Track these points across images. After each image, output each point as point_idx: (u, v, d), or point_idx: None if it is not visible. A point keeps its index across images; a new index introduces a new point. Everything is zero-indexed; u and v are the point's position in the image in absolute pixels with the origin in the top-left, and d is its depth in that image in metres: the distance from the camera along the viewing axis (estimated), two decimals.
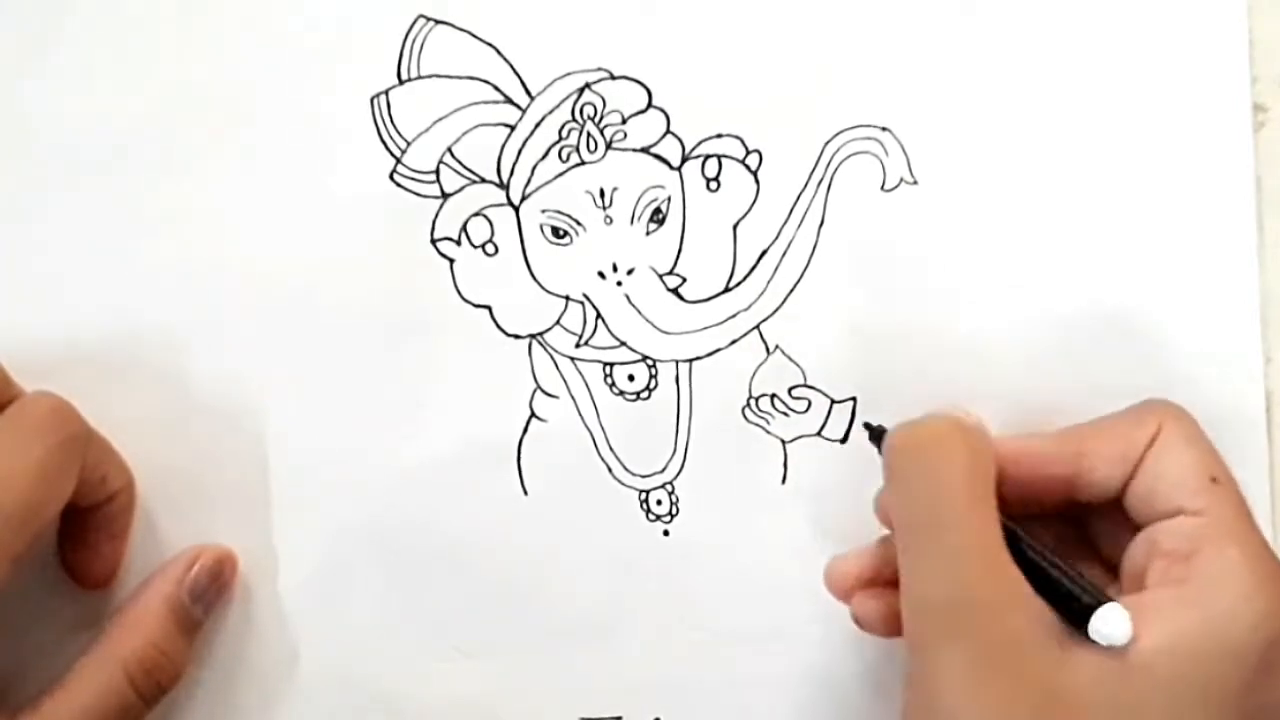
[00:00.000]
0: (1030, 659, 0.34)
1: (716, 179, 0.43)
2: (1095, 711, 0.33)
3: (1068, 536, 0.40)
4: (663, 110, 0.43)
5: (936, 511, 0.35)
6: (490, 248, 0.43)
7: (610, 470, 0.43)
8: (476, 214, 0.43)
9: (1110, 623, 0.34)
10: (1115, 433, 0.38)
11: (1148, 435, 0.37)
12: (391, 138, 0.43)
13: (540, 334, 0.43)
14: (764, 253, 0.43)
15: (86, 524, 0.41)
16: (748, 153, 0.43)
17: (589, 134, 0.43)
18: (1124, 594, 0.36)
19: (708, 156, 0.43)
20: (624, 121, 0.43)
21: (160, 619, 0.41)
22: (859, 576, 0.39)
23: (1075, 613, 0.34)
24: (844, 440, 0.43)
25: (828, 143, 0.43)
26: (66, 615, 0.43)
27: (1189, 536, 0.35)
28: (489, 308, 0.43)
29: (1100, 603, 0.34)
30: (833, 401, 0.43)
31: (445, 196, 0.43)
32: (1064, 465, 0.38)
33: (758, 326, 0.43)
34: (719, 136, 0.43)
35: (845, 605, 0.40)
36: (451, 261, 0.43)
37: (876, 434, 0.40)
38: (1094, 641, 0.34)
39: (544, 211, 0.43)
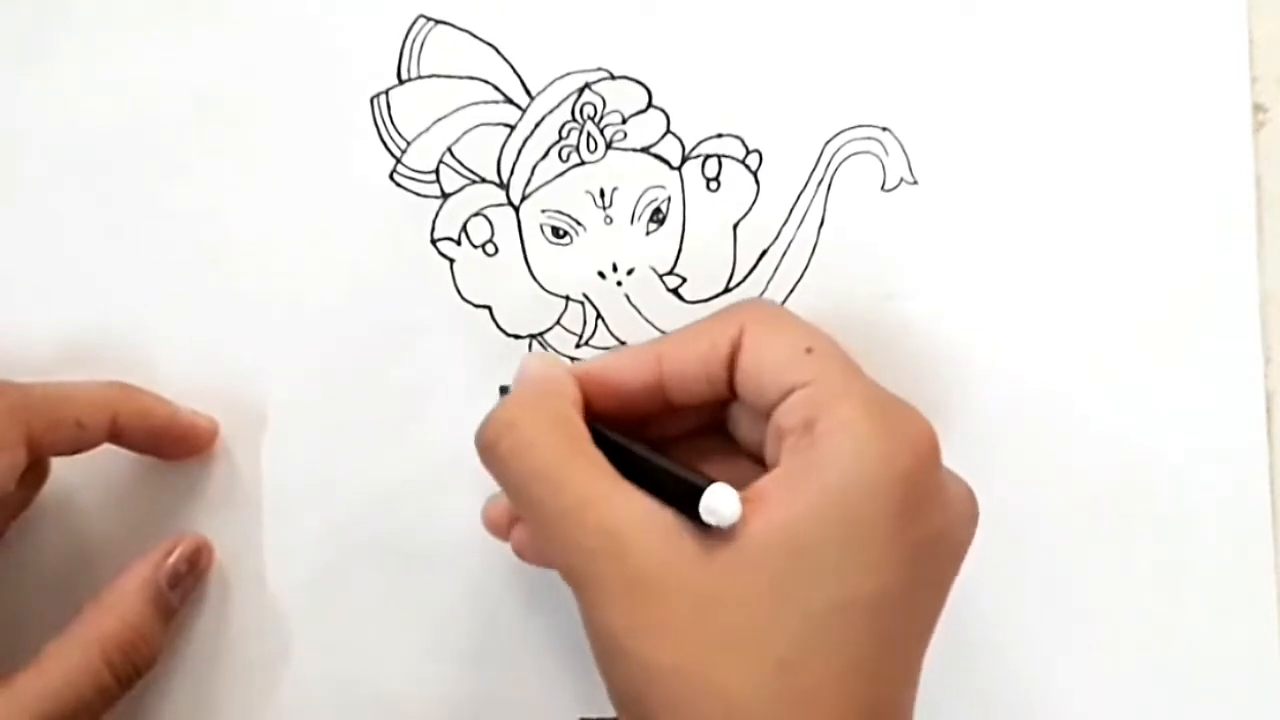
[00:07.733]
0: (671, 572, 0.33)
1: (716, 179, 0.43)
2: (748, 598, 0.33)
3: (736, 454, 0.39)
4: (663, 110, 0.43)
5: (536, 492, 0.35)
6: (490, 248, 0.43)
7: None
8: (476, 214, 0.43)
9: (716, 504, 0.33)
10: (694, 333, 0.38)
11: (730, 334, 0.37)
12: (391, 138, 0.43)
13: (540, 334, 0.43)
14: (764, 253, 0.43)
15: (131, 439, 0.42)
16: (748, 153, 0.43)
17: (589, 134, 0.43)
18: None
19: (708, 156, 0.43)
20: (624, 121, 0.43)
21: (138, 603, 0.41)
22: (512, 517, 0.40)
23: (693, 507, 0.33)
24: None
25: (828, 143, 0.43)
26: (46, 608, 0.43)
27: (802, 407, 0.35)
28: (489, 308, 0.43)
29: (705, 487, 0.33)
30: None
31: (445, 196, 0.43)
32: (644, 373, 0.38)
33: None
34: (719, 136, 0.43)
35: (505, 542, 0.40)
36: (451, 261, 0.43)
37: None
38: (719, 530, 0.33)
39: (544, 211, 0.43)
